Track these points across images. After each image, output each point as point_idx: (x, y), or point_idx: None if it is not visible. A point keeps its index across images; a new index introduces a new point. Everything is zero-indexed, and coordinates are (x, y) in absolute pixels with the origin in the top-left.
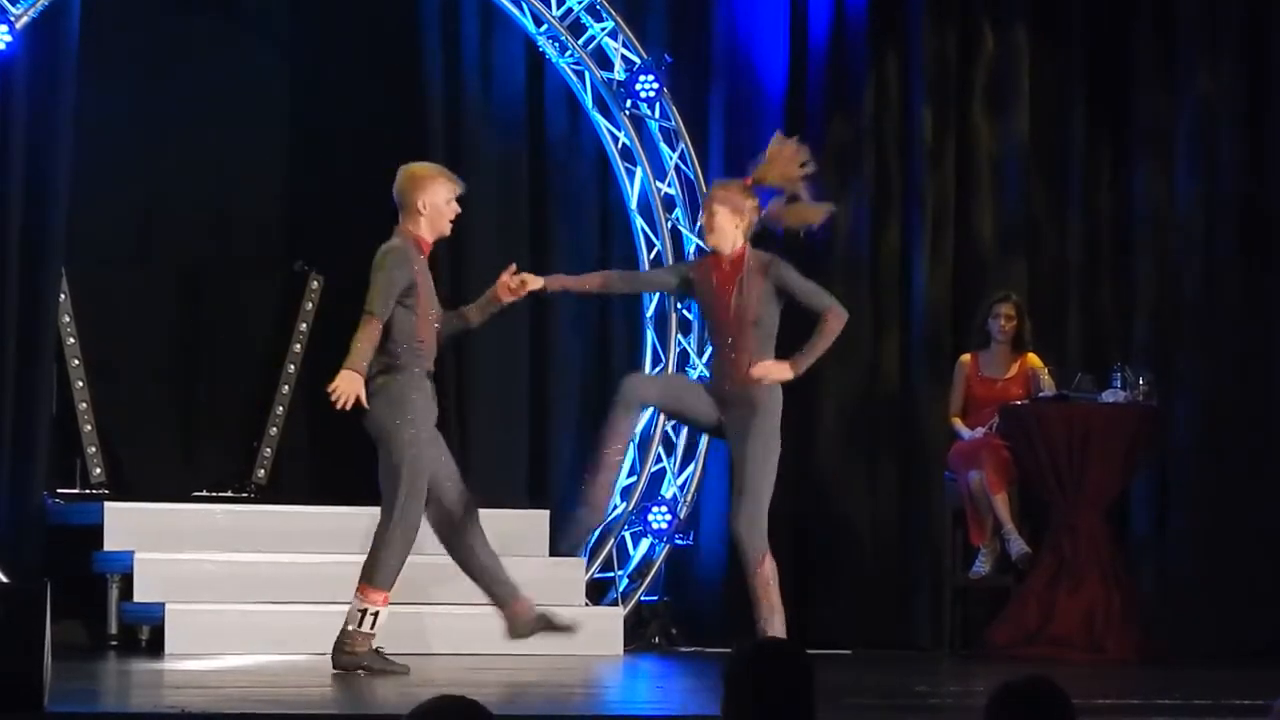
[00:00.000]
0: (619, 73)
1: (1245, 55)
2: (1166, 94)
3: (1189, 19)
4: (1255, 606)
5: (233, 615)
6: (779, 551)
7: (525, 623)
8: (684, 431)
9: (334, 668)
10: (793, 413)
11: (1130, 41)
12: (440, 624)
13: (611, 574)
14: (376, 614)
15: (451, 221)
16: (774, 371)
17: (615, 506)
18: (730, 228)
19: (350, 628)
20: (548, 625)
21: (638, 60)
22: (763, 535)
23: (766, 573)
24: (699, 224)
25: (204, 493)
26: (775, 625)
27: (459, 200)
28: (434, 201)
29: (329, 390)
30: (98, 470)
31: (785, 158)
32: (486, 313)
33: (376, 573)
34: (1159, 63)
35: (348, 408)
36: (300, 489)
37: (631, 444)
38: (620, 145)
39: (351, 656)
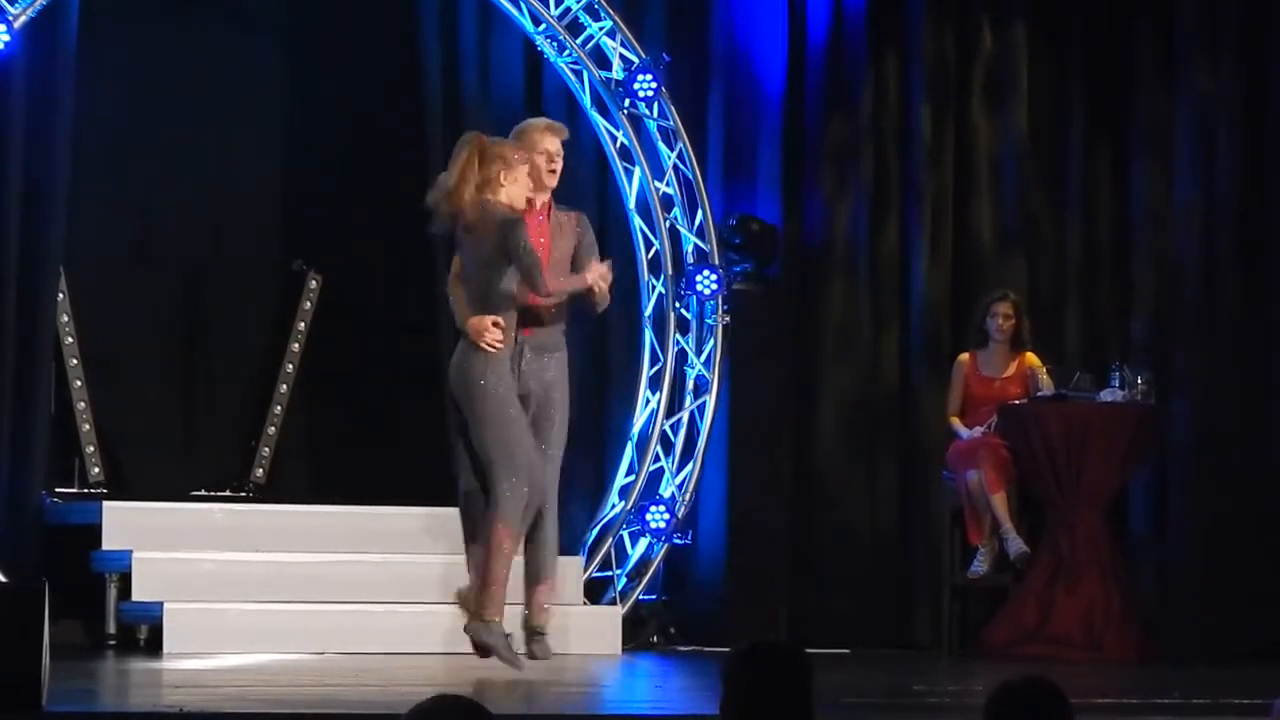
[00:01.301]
0: (617, 72)
1: (1245, 55)
2: (1166, 93)
3: (1188, 18)
4: (1255, 605)
5: (231, 614)
6: (778, 550)
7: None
8: (682, 431)
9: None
10: (791, 412)
11: (1129, 40)
12: (439, 622)
13: (609, 573)
14: None
15: (548, 172)
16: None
17: (614, 505)
18: None
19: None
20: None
21: (636, 60)
22: None
23: None
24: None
25: (202, 492)
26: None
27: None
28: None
29: None
30: (96, 469)
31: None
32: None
33: None
34: (1158, 62)
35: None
36: (299, 488)
37: (630, 442)
38: (618, 145)
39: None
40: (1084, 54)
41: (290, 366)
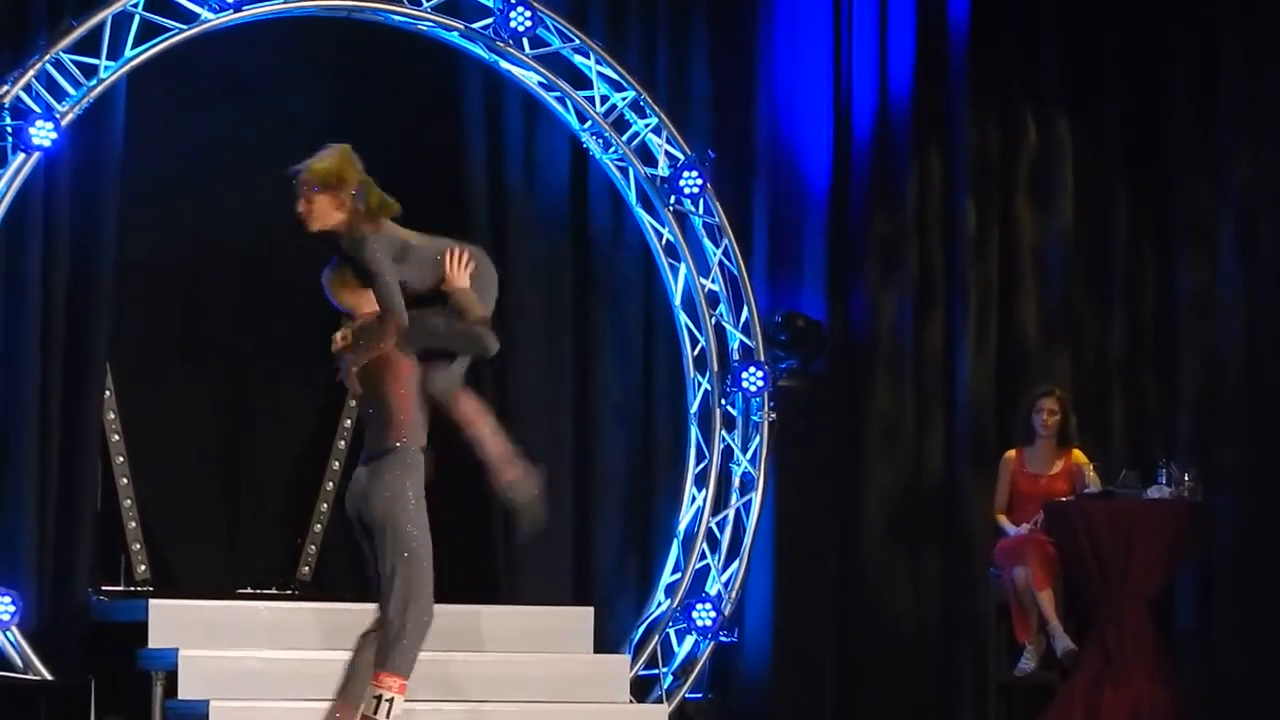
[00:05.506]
0: (663, 169)
1: None
2: (1208, 184)
3: (1228, 111)
4: None
5: (277, 713)
6: (824, 646)
7: None
8: (728, 528)
9: None
10: (837, 508)
11: (1169, 132)
12: None
13: (656, 671)
14: (392, 700)
15: None
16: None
17: (660, 603)
18: None
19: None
20: None
21: (681, 156)
22: None
23: None
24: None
25: (248, 589)
26: None
27: None
28: None
29: None
30: (142, 567)
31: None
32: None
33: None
34: (1199, 153)
35: None
36: (344, 585)
37: (676, 540)
38: (664, 241)
39: None
40: (1125, 146)
41: (336, 464)
